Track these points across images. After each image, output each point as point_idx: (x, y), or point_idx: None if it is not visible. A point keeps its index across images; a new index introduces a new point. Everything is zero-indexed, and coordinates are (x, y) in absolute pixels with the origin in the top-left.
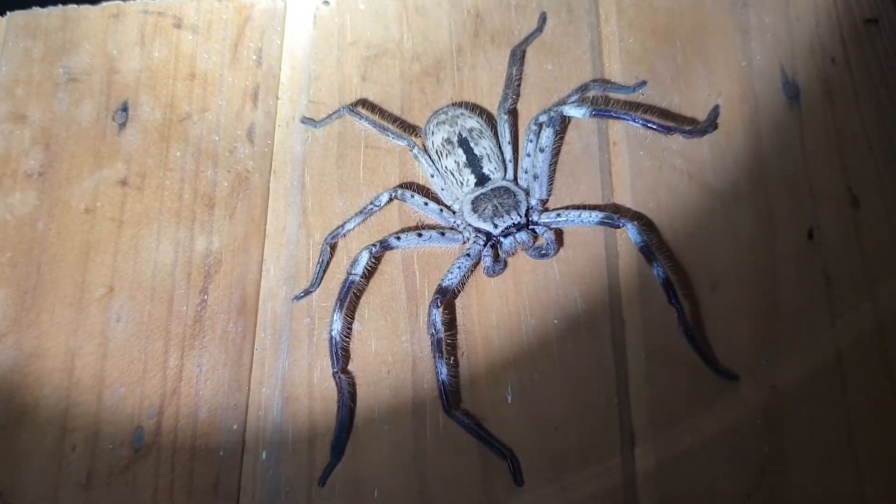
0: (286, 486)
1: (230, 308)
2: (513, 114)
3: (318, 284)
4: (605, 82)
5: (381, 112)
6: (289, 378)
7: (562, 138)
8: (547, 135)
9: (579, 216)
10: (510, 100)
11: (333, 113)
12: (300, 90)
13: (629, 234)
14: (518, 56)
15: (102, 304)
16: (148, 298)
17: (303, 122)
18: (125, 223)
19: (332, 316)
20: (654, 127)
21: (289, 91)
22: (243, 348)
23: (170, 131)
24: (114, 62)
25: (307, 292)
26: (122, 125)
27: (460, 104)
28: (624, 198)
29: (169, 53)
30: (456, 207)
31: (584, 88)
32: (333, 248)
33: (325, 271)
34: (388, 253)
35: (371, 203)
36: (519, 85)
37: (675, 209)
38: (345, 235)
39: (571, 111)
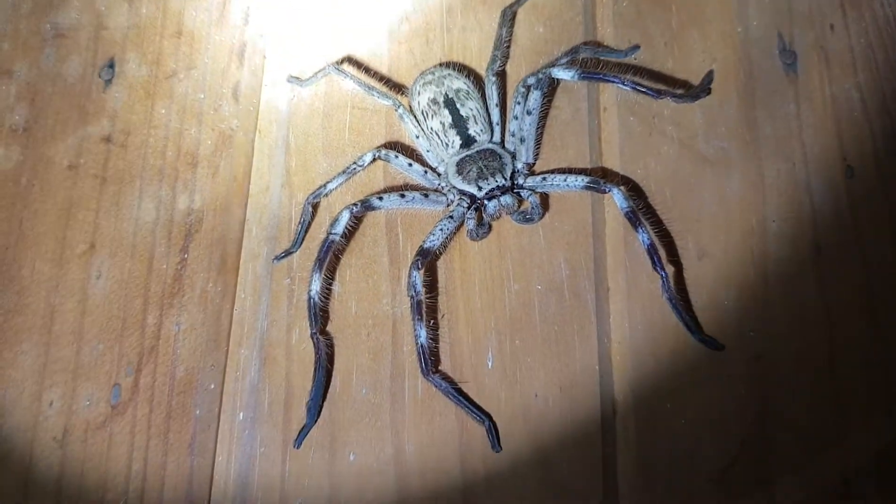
0: (262, 447)
1: (210, 267)
2: (501, 76)
3: (300, 245)
4: (596, 45)
5: (368, 71)
6: (267, 339)
7: (550, 101)
8: (535, 97)
9: (565, 180)
10: (499, 61)
11: (319, 71)
12: (287, 49)
13: (615, 199)
14: (508, 17)
15: (83, 261)
16: (128, 256)
17: (289, 80)
18: (108, 180)
19: (312, 276)
20: (645, 90)
21: (276, 50)
22: (222, 308)
23: (155, 88)
24: (101, 18)
25: (288, 253)
26: (108, 82)
27: (448, 64)
28: (613, 164)
29: (156, 10)
30: (441, 169)
31: (574, 51)
32: (315, 207)
33: (306, 231)
34: (371, 215)
35: (354, 163)
36: (508, 47)
37: (664, 176)
38: (327, 195)
39: (560, 73)
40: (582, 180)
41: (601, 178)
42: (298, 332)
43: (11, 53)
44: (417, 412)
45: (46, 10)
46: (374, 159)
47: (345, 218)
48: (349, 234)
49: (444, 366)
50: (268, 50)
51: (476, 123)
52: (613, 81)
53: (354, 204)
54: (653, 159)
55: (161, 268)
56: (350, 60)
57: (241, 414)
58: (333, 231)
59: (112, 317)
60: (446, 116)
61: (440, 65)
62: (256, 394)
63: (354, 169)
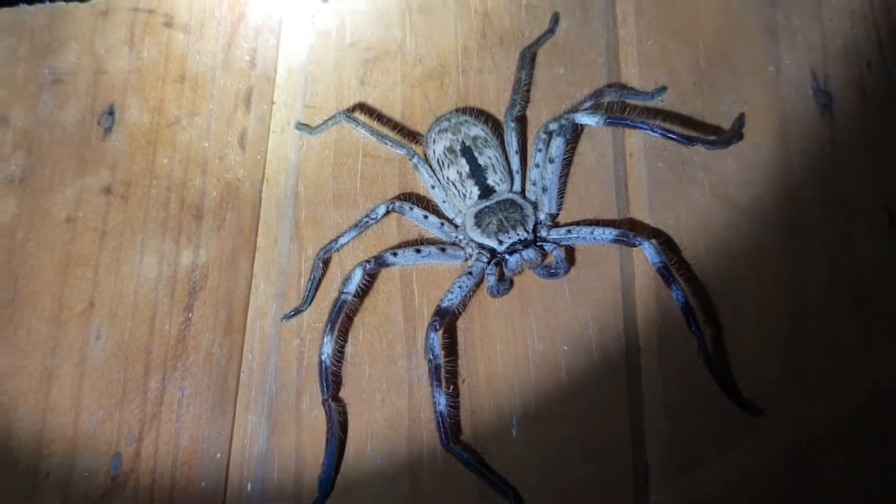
0: None
1: (216, 327)
2: (521, 121)
3: (310, 303)
4: (621, 88)
5: (381, 118)
6: (276, 405)
7: (574, 148)
8: (557, 144)
9: (592, 233)
10: (518, 106)
11: (330, 119)
12: (296, 94)
13: (646, 253)
14: (528, 59)
15: (82, 321)
16: (129, 315)
17: (298, 128)
18: (108, 234)
19: (323, 338)
20: (675, 137)
21: (284, 95)
22: (229, 371)
23: (157, 136)
24: (101, 62)
25: (298, 311)
26: (108, 129)
27: (464, 110)
28: (641, 213)
29: (159, 54)
30: (458, 221)
31: (598, 94)
32: (327, 263)
33: (316, 289)
34: (385, 270)
35: (367, 215)
36: (528, 90)
37: (696, 226)
38: (339, 250)
39: (584, 119)
40: (610, 233)
41: (630, 230)
42: (309, 397)
43: (7, 100)
44: (437, 485)
45: (44, 54)
46: (388, 212)
47: (357, 276)
48: (362, 292)
49: (465, 434)
50: (276, 95)
51: (495, 172)
52: (642, 128)
53: (367, 261)
54: (684, 208)
55: (164, 328)
56: (361, 107)
57: (249, 486)
58: (346, 290)
59: (112, 381)
60: (463, 166)
61: (456, 110)
62: (265, 464)
63: (367, 222)
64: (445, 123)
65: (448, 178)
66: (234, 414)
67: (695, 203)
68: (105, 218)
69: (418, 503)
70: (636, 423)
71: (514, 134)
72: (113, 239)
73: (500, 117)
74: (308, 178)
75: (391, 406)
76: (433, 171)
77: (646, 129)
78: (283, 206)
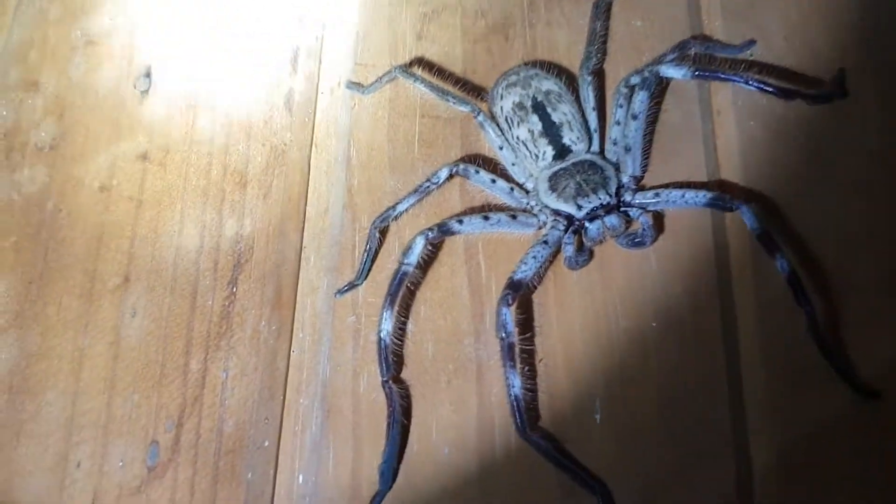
0: None
1: (262, 303)
2: (598, 75)
3: (366, 276)
4: (706, 40)
5: (441, 74)
6: (330, 387)
7: (659, 104)
8: (640, 99)
9: (682, 196)
10: (594, 59)
11: (384, 75)
12: (346, 52)
13: (745, 218)
14: (602, 9)
15: (116, 297)
16: (168, 290)
17: (348, 87)
18: (144, 203)
19: (382, 314)
20: (772, 90)
21: (333, 53)
22: (277, 350)
23: (197, 100)
24: (136, 23)
25: (352, 285)
26: (145, 93)
27: (535, 63)
28: (732, 176)
29: (198, 12)
30: (530, 186)
31: (682, 46)
32: (384, 233)
33: (373, 261)
34: (447, 241)
35: (427, 180)
36: (604, 42)
37: (793, 191)
38: (397, 218)
39: (670, 71)
40: (704, 196)
41: (724, 192)
42: (367, 378)
43: (38, 63)
44: (512, 477)
45: (77, 14)
46: (451, 175)
47: (419, 246)
48: (424, 264)
49: (543, 421)
50: (324, 53)
51: (571, 130)
52: (734, 80)
53: (430, 228)
54: (780, 171)
55: (206, 304)
56: (419, 62)
57: (301, 477)
58: (407, 261)
59: (149, 362)
60: (535, 123)
61: (525, 64)
62: (319, 452)
63: (428, 187)
64: (514, 77)
65: (518, 138)
66: (285, 397)
67: (791, 167)
68: (141, 186)
69: (490, 498)
70: (736, 407)
71: (590, 89)
72: (150, 208)
73: (574, 71)
74: (361, 142)
75: (458, 389)
76: (501, 130)
77: (739, 82)
78: (334, 173)
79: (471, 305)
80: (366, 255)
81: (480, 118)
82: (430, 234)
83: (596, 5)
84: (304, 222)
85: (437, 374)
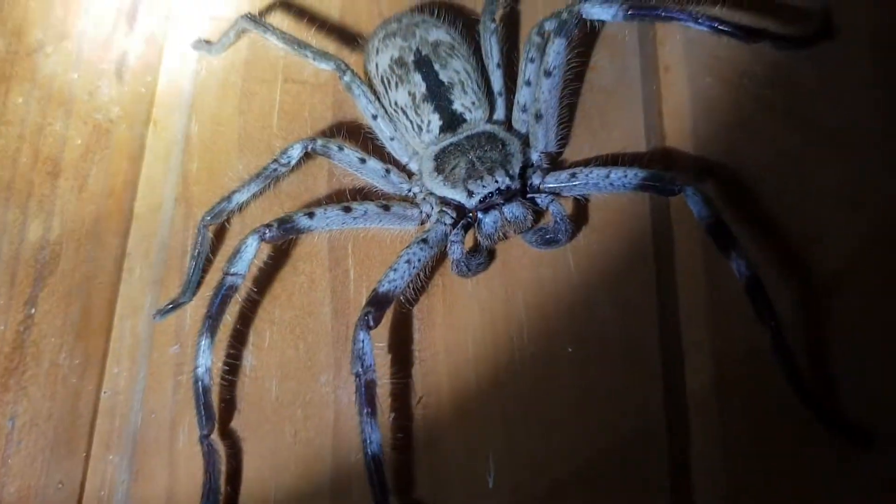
0: None
1: (66, 328)
2: (507, 23)
3: (194, 292)
4: None
5: (313, 23)
6: (143, 440)
7: (585, 61)
8: (556, 49)
9: (607, 177)
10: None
11: (231, 27)
12: (198, 3)
13: (690, 203)
14: None
15: None
16: None
17: (195, 47)
18: None
19: (199, 343)
20: (729, 31)
21: (181, 4)
22: (82, 391)
23: (13, 69)
24: None
25: (176, 304)
26: None
27: (422, 8)
28: (681, 146)
29: None
30: (413, 167)
31: None
32: (218, 233)
33: (204, 271)
34: (308, 243)
35: (275, 160)
36: None
37: (762, 164)
38: (235, 212)
39: (595, 11)
40: (635, 175)
41: (665, 169)
42: (187, 430)
43: None
44: None
45: None
46: (305, 153)
47: (251, 249)
48: (265, 274)
49: (418, 484)
50: (170, 6)
51: (465, 93)
52: (679, 19)
53: (268, 225)
54: (743, 138)
55: None
56: (284, 8)
57: None
58: (234, 270)
59: None
60: (418, 83)
61: (412, 10)
62: None
63: (275, 170)
64: (394, 26)
65: (396, 104)
66: (89, 452)
67: (758, 131)
68: None
69: None
70: (677, 460)
71: (494, 39)
72: None
73: (475, 17)
74: (205, 116)
75: (309, 444)
76: (376, 94)
77: (685, 21)
78: (173, 156)
79: (332, 328)
80: (193, 262)
81: (347, 78)
82: (267, 232)
83: None
84: (129, 222)
85: (282, 422)
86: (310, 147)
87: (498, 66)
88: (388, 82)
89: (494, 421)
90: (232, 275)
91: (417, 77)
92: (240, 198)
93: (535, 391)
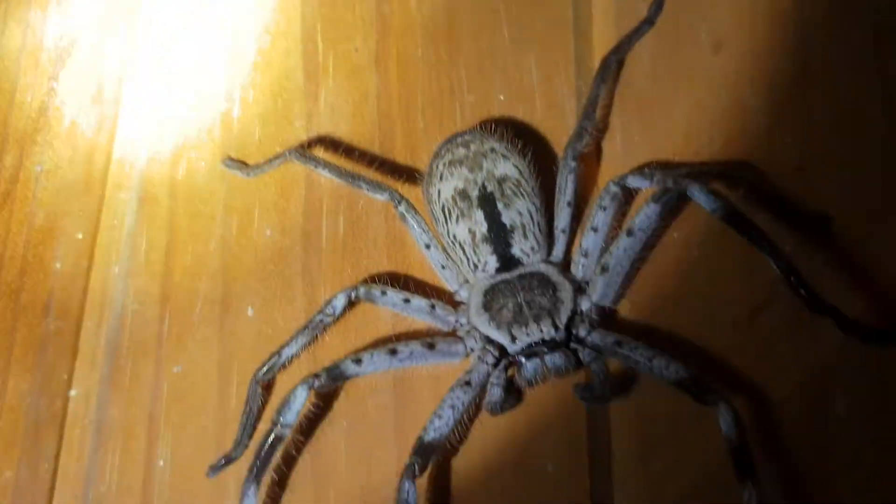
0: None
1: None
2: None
3: (246, 445)
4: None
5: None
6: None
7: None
8: (648, 214)
9: (650, 361)
10: (586, 137)
11: (274, 158)
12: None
13: (721, 422)
14: (612, 68)
15: None
16: None
17: (227, 165)
18: None
19: (245, 491)
20: (802, 290)
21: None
22: None
23: None
24: None
25: (228, 460)
26: None
27: (493, 128)
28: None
29: None
30: (463, 295)
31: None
32: (268, 388)
33: (255, 426)
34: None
35: (320, 312)
36: (607, 115)
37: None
38: (285, 367)
39: (700, 198)
40: (676, 371)
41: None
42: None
43: None
44: None
45: None
46: (350, 303)
47: (300, 399)
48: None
49: None
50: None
51: (525, 238)
52: (764, 249)
53: (316, 375)
54: None
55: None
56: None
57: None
58: (284, 421)
59: None
60: (479, 222)
61: (481, 126)
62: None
63: (322, 321)
64: (461, 151)
65: (455, 237)
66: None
67: None
68: None
69: None
70: None
71: (572, 178)
72: None
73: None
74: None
75: None
76: (434, 218)
77: (769, 254)
78: None
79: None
80: (244, 418)
81: (402, 208)
82: (315, 382)
83: (605, 61)
84: None
85: None
86: (353, 295)
87: (568, 204)
88: (450, 213)
89: None
90: (282, 426)
91: (480, 215)
92: (289, 352)
93: None
